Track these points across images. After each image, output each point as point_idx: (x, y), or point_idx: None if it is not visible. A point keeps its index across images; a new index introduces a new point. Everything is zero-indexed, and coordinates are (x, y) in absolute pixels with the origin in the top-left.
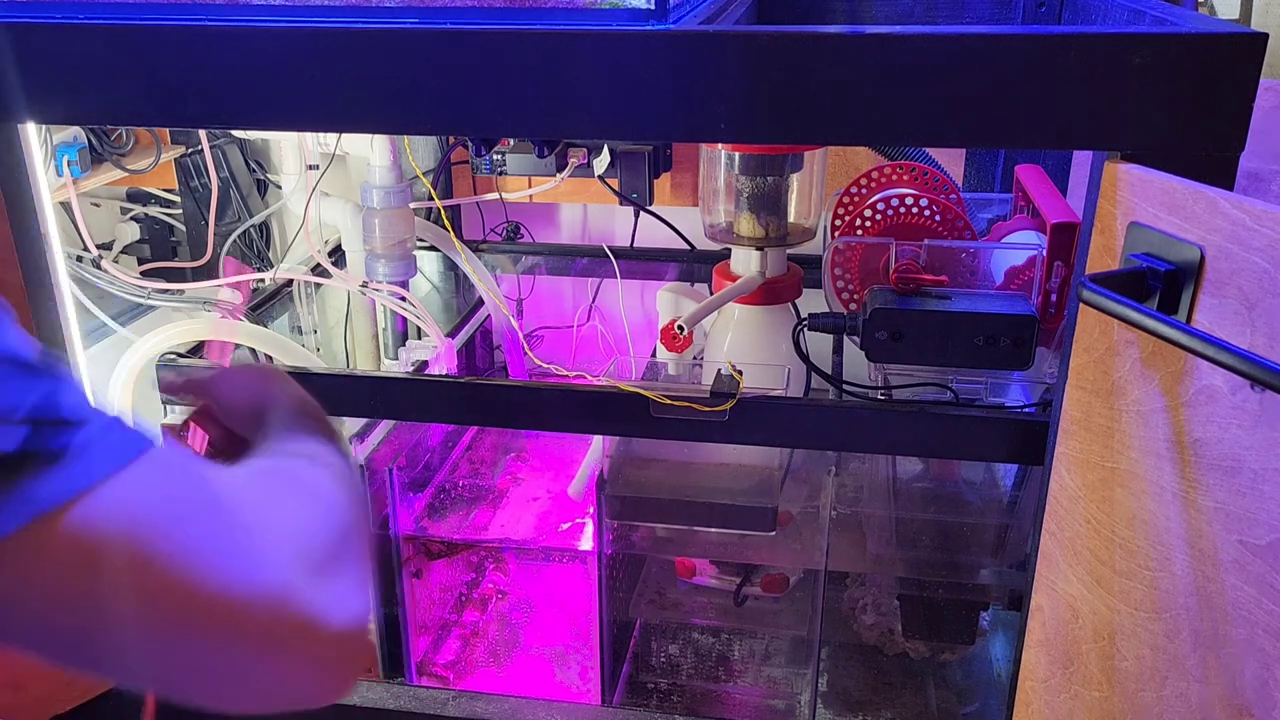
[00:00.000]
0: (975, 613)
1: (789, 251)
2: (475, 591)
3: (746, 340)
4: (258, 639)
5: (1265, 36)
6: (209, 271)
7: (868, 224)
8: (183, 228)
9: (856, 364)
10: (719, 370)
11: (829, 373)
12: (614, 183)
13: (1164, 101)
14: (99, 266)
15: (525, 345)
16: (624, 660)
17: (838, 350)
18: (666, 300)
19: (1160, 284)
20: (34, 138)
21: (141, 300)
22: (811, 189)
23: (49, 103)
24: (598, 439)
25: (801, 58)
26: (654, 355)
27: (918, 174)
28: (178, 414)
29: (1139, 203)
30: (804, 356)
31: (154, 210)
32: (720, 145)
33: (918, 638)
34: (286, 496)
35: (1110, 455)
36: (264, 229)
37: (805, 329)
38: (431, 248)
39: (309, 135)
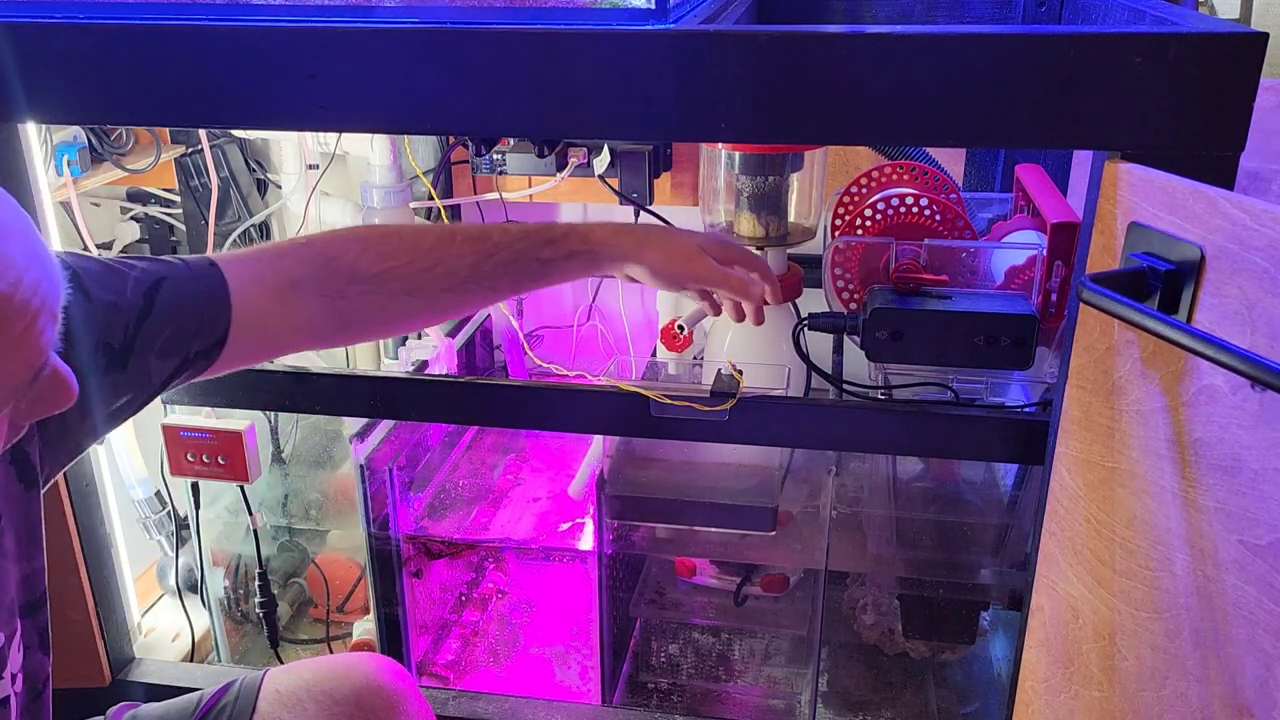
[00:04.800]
0: (975, 613)
1: (789, 251)
2: (475, 591)
3: (746, 340)
4: None
5: (1265, 36)
6: None
7: (868, 224)
8: (183, 227)
9: (856, 364)
10: (719, 370)
11: (829, 373)
12: (614, 183)
13: (1164, 101)
14: None
15: (525, 345)
16: (624, 660)
17: (838, 350)
18: (667, 300)
19: (1160, 284)
20: (34, 138)
21: None
22: (811, 189)
23: (49, 103)
24: (598, 439)
25: (801, 58)
26: (654, 355)
27: (918, 174)
28: (178, 413)
29: (1139, 202)
30: (804, 356)
31: (154, 210)
32: (720, 145)
33: (918, 638)
34: None
35: (1110, 455)
36: (264, 229)
37: (805, 329)
38: None
39: (309, 135)
